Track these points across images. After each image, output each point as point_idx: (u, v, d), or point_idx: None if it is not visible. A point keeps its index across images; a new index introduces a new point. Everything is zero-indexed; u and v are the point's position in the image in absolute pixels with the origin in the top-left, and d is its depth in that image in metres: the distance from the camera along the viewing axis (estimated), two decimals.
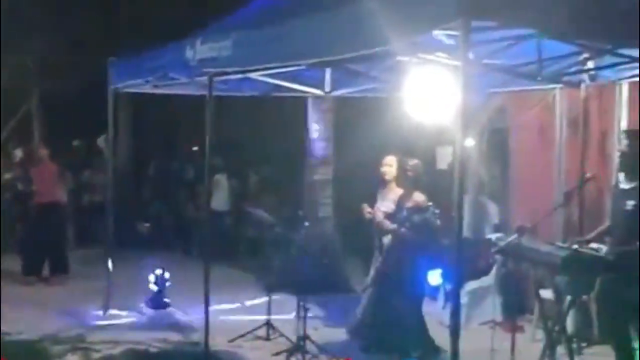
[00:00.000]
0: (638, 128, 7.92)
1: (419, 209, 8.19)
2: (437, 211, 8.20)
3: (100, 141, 15.09)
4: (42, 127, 18.89)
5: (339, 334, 9.15)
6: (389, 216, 8.50)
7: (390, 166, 8.72)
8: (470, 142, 10.66)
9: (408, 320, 8.15)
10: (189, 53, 7.74)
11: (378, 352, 8.26)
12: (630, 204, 6.77)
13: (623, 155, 7.02)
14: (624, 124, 9.03)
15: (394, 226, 8.41)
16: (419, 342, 8.19)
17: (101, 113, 10.40)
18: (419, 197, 8.26)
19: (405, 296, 8.20)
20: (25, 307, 10.21)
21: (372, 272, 8.79)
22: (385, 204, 8.68)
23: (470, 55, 4.78)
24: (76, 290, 11.36)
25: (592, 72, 8.16)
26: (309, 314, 8.39)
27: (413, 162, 8.46)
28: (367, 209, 8.72)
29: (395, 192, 8.69)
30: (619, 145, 7.11)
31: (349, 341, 8.82)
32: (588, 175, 7.77)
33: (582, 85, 8.53)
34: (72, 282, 12.00)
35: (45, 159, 12.57)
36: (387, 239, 8.61)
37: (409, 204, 8.31)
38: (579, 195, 8.57)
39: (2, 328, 8.87)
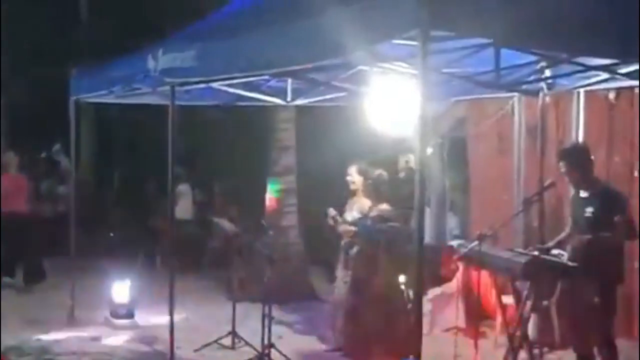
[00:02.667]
0: (564, 147, 8.14)
1: (383, 218, 8.27)
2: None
3: (56, 150, 15.01)
4: (6, 137, 18.75)
5: (305, 342, 9.21)
6: (354, 224, 8.58)
7: (352, 176, 8.83)
8: (429, 151, 10.77)
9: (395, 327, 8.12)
10: (150, 63, 7.74)
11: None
12: (589, 211, 6.91)
13: (565, 174, 7.17)
14: (580, 132, 9.19)
15: (352, 228, 8.52)
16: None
17: (65, 123, 10.39)
18: (383, 207, 8.35)
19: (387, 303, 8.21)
20: None
21: (338, 281, 8.85)
22: (352, 214, 8.78)
23: (429, 64, 4.84)
24: (40, 300, 11.28)
25: (550, 81, 8.27)
26: (274, 323, 8.43)
27: (377, 172, 8.55)
28: (332, 213, 8.81)
29: (361, 202, 8.78)
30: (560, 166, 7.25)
31: (314, 349, 8.88)
32: (547, 182, 7.88)
33: (540, 94, 8.66)
34: (36, 292, 11.90)
35: (14, 168, 12.51)
36: (352, 250, 8.70)
37: (373, 214, 8.39)
38: (539, 202, 8.69)
39: None
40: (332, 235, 9.08)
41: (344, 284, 8.77)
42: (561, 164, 7.11)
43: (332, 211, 8.85)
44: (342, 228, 8.77)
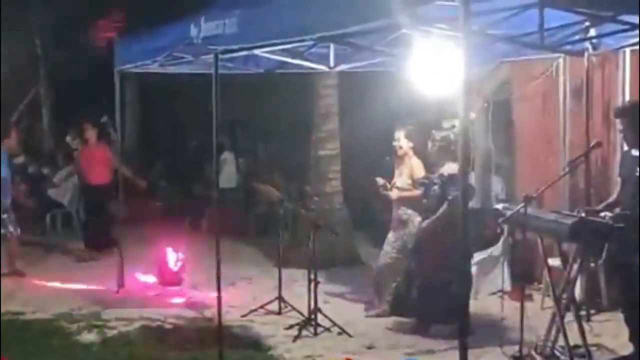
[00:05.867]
0: (623, 104, 8.01)
1: (454, 178, 8.05)
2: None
3: (104, 122, 15.17)
4: (51, 109, 19.00)
5: (351, 307, 9.25)
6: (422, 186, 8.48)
7: (400, 141, 8.78)
8: (473, 114, 10.68)
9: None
10: (193, 31, 7.77)
11: (430, 325, 8.16)
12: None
13: (622, 132, 7.06)
14: (627, 92, 9.06)
15: (414, 193, 8.51)
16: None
17: (107, 93, 10.48)
18: (453, 167, 8.12)
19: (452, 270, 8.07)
20: (40, 286, 10.37)
21: (386, 246, 8.85)
22: (402, 179, 8.76)
23: (472, 26, 4.80)
24: (90, 269, 11.47)
25: (595, 41, 8.18)
26: (320, 288, 8.49)
27: (442, 133, 8.38)
28: (380, 182, 8.79)
29: (409, 166, 8.75)
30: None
31: (360, 313, 8.93)
32: (593, 143, 7.79)
33: (585, 54, 8.55)
34: (86, 261, 12.17)
35: (93, 140, 12.70)
36: (403, 212, 8.69)
37: (445, 174, 8.14)
38: (584, 163, 8.61)
39: (16, 308, 9.01)
40: (381, 203, 9.02)
41: (393, 248, 8.77)
42: (618, 121, 6.99)
43: (380, 180, 8.81)
44: (395, 194, 8.73)
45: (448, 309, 7.48)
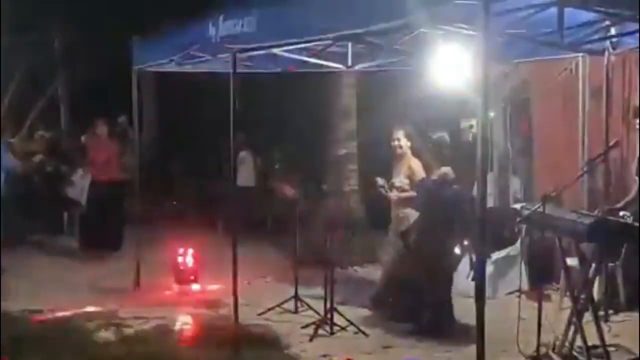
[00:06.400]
0: None
1: (444, 182, 8.20)
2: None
3: (121, 121, 15.23)
4: (68, 108, 19.07)
5: (367, 306, 9.24)
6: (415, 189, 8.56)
7: (399, 140, 8.80)
8: (492, 114, 10.65)
9: (437, 294, 8.16)
10: (211, 30, 7.79)
11: (400, 322, 8.31)
12: None
13: None
14: None
15: (406, 194, 8.59)
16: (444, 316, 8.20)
17: (125, 93, 10.50)
18: (444, 170, 8.24)
19: (436, 269, 8.20)
20: (57, 285, 10.40)
21: (387, 247, 8.89)
22: (399, 179, 8.77)
23: (491, 26, 4.78)
24: (107, 267, 11.50)
25: (615, 39, 8.13)
26: (337, 287, 8.48)
27: (438, 134, 8.45)
28: (380, 182, 8.81)
29: (407, 166, 8.77)
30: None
31: (375, 314, 8.91)
32: (612, 142, 7.75)
33: (605, 53, 8.50)
34: (103, 260, 12.12)
35: (104, 136, 12.72)
36: (400, 211, 8.69)
37: (434, 177, 8.32)
38: (603, 163, 8.57)
39: (33, 306, 9.03)
40: (384, 202, 9.07)
41: (393, 249, 8.81)
42: (637, 121, 6.95)
43: (379, 180, 8.85)
44: (394, 195, 8.76)
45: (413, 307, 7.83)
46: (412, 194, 8.67)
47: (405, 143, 8.81)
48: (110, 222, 12.42)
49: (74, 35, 17.85)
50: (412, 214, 8.65)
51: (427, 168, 8.59)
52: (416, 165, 8.77)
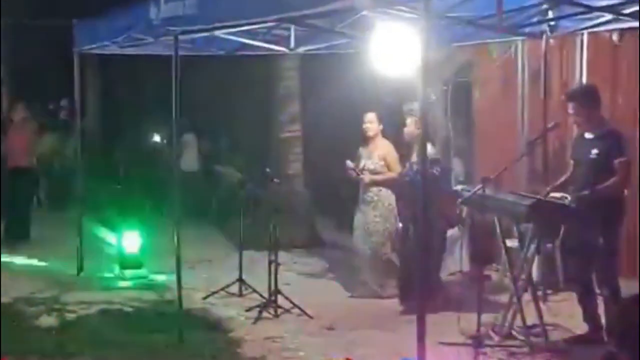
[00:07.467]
0: (574, 88, 8.10)
1: (435, 160, 8.13)
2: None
3: (63, 104, 14.99)
4: (10, 92, 18.73)
5: (311, 289, 9.29)
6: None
7: (371, 123, 8.84)
8: (433, 97, 10.72)
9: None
10: (152, 12, 7.72)
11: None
12: (594, 152, 6.86)
13: (573, 115, 7.13)
14: (584, 74, 9.16)
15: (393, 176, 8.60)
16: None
17: (67, 76, 10.38)
18: (430, 151, 8.07)
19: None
20: None
21: (359, 230, 8.91)
22: (372, 161, 8.80)
23: (432, 9, 4.82)
24: (50, 253, 11.37)
25: (553, 23, 8.24)
26: (282, 270, 8.52)
27: (408, 107, 8.38)
28: (350, 165, 8.83)
29: (380, 148, 8.81)
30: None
31: (319, 294, 8.97)
32: (550, 124, 7.87)
33: (543, 37, 8.62)
34: (46, 245, 11.94)
35: (18, 120, 12.47)
36: (374, 194, 8.73)
37: (414, 160, 8.18)
38: (542, 144, 8.71)
39: None
40: (349, 186, 9.08)
41: (365, 231, 8.84)
42: (570, 104, 7.07)
43: (349, 163, 8.86)
44: (367, 177, 8.78)
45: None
46: (391, 175, 8.72)
47: (376, 125, 8.84)
48: (16, 210, 12.18)
49: (16, 17, 17.55)
50: (387, 195, 8.73)
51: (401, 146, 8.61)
52: (388, 146, 8.83)
